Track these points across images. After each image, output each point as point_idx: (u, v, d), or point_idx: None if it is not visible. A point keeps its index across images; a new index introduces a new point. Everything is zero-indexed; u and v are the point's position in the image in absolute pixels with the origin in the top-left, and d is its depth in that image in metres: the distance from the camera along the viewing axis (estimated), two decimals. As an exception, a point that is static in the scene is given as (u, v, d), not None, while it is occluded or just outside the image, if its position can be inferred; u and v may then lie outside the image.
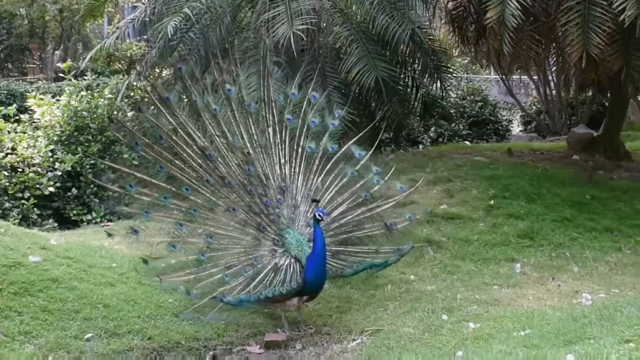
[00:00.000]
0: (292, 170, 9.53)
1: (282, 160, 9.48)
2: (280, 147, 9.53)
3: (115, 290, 9.69)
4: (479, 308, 9.59)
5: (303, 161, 9.60)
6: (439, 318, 9.15)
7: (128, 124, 9.82)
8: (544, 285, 10.69)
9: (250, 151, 9.37)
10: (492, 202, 13.55)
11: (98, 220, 14.09)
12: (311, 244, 8.91)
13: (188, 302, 9.12)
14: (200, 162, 9.29)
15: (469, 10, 16.40)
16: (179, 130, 9.36)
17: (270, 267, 8.93)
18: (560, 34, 14.15)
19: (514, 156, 17.48)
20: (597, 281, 10.78)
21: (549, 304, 9.70)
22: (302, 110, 9.73)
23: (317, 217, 8.65)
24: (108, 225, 13.60)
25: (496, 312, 9.22)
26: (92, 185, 14.33)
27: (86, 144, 14.67)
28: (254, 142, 9.43)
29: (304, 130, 9.66)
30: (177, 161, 9.31)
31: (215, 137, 9.40)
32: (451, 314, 9.28)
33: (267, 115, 9.60)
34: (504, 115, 27.16)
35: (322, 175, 9.59)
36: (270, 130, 9.56)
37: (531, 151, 18.78)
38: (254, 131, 9.47)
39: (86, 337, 8.46)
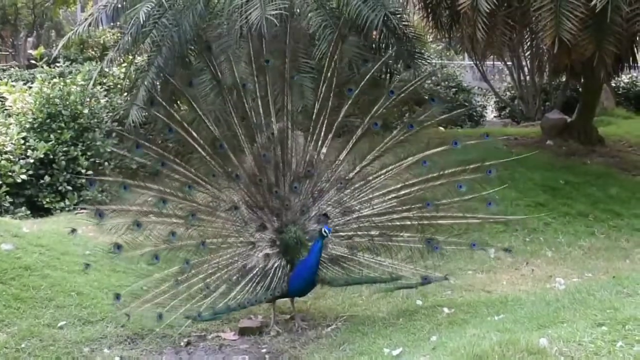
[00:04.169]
0: (330, 153, 8.89)
1: (320, 142, 8.84)
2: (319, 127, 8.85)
3: (89, 278, 9.65)
4: (453, 293, 9.64)
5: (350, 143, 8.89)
6: (413, 303, 9.19)
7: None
8: (518, 270, 10.76)
9: (275, 133, 8.81)
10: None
11: (71, 208, 13.98)
12: (310, 244, 8.55)
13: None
14: (211, 154, 8.69)
15: (442, -5, 16.45)
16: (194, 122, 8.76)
17: (257, 270, 8.60)
18: (533, 19, 14.16)
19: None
20: (570, 265, 10.86)
21: (522, 288, 9.76)
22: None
23: (323, 233, 8.19)
24: (81, 213, 13.52)
25: (470, 297, 9.27)
26: (65, 173, 14.22)
27: (59, 131, 14.53)
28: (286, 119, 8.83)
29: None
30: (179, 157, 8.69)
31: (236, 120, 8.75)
32: (425, 299, 9.31)
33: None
34: (478, 101, 27.24)
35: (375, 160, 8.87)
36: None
37: (505, 136, 18.84)
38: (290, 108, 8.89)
39: (59, 324, 8.44)
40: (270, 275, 8.61)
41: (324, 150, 8.88)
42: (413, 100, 9.55)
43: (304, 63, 13.69)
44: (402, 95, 9.11)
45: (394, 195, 8.80)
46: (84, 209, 13.85)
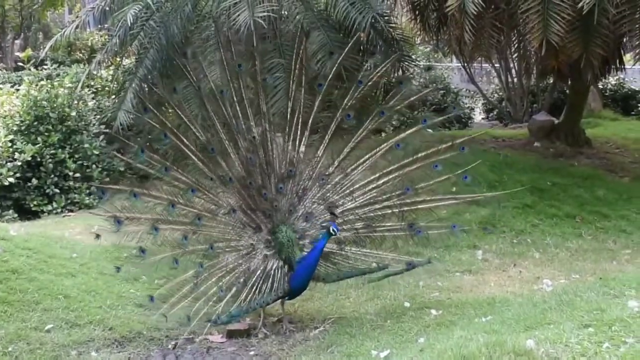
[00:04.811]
0: (309, 152, 8.98)
1: (297, 141, 8.94)
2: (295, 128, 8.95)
3: (76, 281, 9.63)
4: (441, 295, 9.65)
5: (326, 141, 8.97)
6: (401, 305, 9.19)
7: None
8: (506, 272, 10.78)
9: (256, 136, 8.84)
10: (453, 189, 13.59)
11: (59, 210, 13.93)
12: (302, 243, 8.72)
13: (150, 291, 9.10)
14: (203, 159, 8.85)
15: (430, -3, 16.47)
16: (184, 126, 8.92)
17: (259, 272, 8.68)
18: (521, 21, 14.20)
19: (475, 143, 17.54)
20: (557, 267, 10.88)
21: (510, 290, 9.77)
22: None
23: (331, 231, 8.23)
24: (69, 216, 13.48)
25: (458, 299, 9.27)
26: (52, 176, 14.18)
27: (46, 134, 14.49)
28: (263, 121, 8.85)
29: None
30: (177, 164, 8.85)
31: (219, 125, 8.88)
32: (413, 301, 9.32)
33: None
34: (466, 103, 27.24)
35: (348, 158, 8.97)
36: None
37: (493, 138, 18.87)
38: (265, 110, 8.94)
39: (46, 328, 8.40)
40: (272, 275, 8.69)
41: (302, 148, 8.98)
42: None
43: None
44: (370, 83, 9.23)
45: (373, 185, 8.92)
46: (71, 211, 13.88)
